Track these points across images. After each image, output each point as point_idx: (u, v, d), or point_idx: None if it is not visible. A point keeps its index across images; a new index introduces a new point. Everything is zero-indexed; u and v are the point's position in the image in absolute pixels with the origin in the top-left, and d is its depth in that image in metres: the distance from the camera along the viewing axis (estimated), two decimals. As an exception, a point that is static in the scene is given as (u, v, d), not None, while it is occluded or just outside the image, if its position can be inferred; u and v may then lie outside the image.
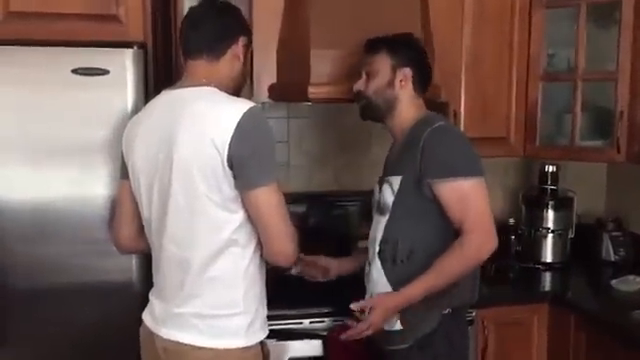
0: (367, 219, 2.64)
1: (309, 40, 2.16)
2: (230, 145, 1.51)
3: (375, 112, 1.89)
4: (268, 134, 1.60)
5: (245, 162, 1.53)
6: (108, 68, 1.90)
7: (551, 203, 2.64)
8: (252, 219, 1.59)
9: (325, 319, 2.12)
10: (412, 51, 1.89)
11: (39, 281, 1.95)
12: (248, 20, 2.27)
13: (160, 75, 2.17)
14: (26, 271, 1.95)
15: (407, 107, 1.86)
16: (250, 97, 2.00)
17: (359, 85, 1.89)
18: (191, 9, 1.71)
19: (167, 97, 1.67)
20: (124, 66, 1.91)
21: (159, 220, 1.64)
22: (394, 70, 1.85)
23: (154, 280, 1.76)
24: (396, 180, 1.82)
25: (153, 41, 2.07)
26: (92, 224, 1.96)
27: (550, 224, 2.64)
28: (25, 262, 1.94)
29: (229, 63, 1.68)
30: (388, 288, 1.81)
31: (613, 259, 2.68)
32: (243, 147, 1.52)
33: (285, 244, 1.61)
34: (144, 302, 1.86)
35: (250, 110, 1.54)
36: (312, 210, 2.61)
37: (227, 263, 1.61)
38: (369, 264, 1.91)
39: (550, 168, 2.62)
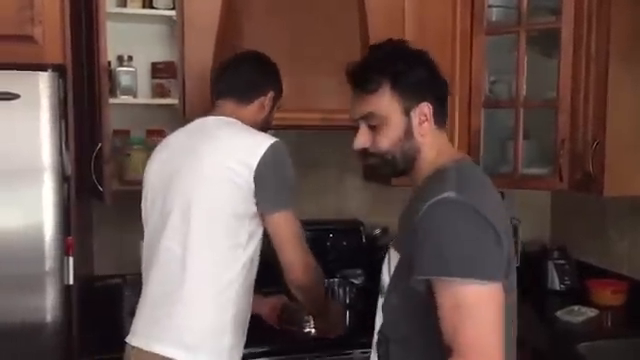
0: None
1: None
2: (257, 167, 1.63)
3: (392, 171, 1.41)
4: (289, 167, 1.71)
5: (264, 186, 1.64)
6: (19, 92, 1.75)
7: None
8: (272, 243, 1.69)
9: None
10: (422, 70, 1.36)
11: None
12: (180, 48, 2.20)
13: (81, 99, 2.03)
14: None
15: (429, 150, 1.37)
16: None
17: (362, 142, 1.38)
18: (234, 56, 1.87)
19: (194, 123, 1.80)
20: (37, 90, 1.77)
21: (163, 228, 1.70)
22: (407, 112, 1.35)
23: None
24: (395, 257, 1.35)
25: (74, 63, 1.93)
26: (1, 258, 1.79)
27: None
28: None
29: (255, 110, 1.82)
30: None
31: (559, 288, 2.64)
32: (267, 171, 1.64)
33: (297, 271, 1.69)
34: (60, 344, 1.76)
35: (277, 142, 1.68)
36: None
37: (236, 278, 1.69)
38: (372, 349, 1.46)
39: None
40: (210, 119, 1.79)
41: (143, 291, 1.76)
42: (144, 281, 1.77)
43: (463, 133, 2.48)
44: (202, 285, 1.66)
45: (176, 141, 1.80)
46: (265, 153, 1.65)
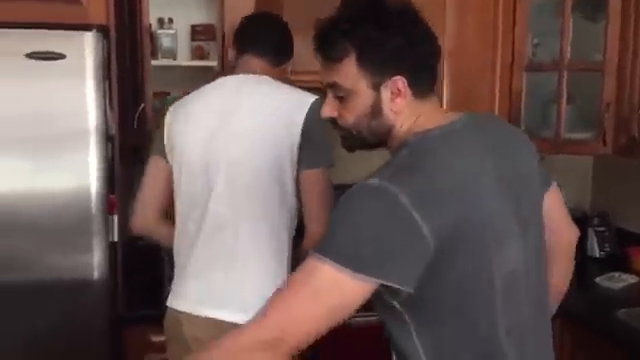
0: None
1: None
2: (305, 121, 1.63)
3: (362, 146, 1.25)
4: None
5: (310, 142, 1.64)
6: (65, 52, 1.77)
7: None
8: (302, 198, 1.68)
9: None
10: (399, 39, 1.14)
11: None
12: (219, 10, 2.19)
13: (123, 61, 2.05)
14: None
15: (403, 124, 1.19)
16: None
17: (327, 112, 1.22)
18: (261, 15, 1.92)
19: (228, 80, 1.75)
20: (82, 50, 1.79)
21: (210, 191, 1.66)
22: (377, 87, 1.16)
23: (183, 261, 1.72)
24: None
25: (116, 25, 1.95)
26: (50, 218, 1.85)
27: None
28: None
29: (280, 72, 1.80)
30: None
31: (598, 255, 2.61)
32: (312, 128, 1.64)
33: (321, 226, 1.63)
34: (106, 299, 1.79)
35: (319, 99, 1.63)
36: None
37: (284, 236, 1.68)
38: None
39: (534, 161, 2.54)
40: (242, 77, 1.74)
41: (185, 256, 1.72)
42: (185, 245, 1.72)
43: (504, 96, 2.45)
44: (256, 247, 1.65)
45: (206, 102, 1.73)
46: (311, 108, 1.64)
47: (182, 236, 1.74)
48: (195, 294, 1.69)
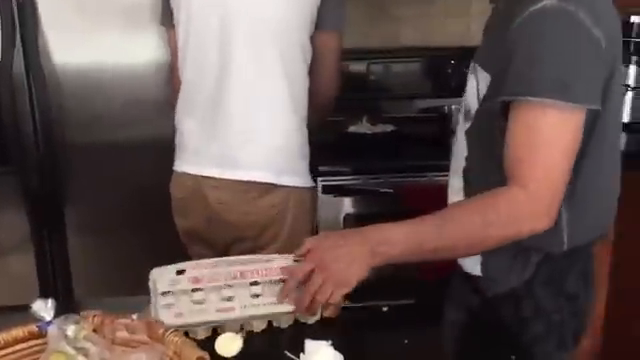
0: (430, 79, 2.57)
1: None
2: None
3: None
4: None
5: (329, 2, 1.57)
6: None
7: (634, 58, 2.38)
8: (315, 62, 1.63)
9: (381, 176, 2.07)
10: None
11: (97, 137, 2.07)
12: None
13: None
14: (85, 128, 2.05)
15: None
16: None
17: None
18: None
19: None
20: None
21: (229, 49, 1.56)
22: None
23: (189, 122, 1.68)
24: (484, 78, 1.17)
25: None
26: (145, 82, 2.01)
27: (631, 81, 2.40)
28: (84, 120, 2.04)
29: None
30: None
31: None
32: None
33: (333, 88, 1.70)
34: None
35: None
36: (371, 68, 2.52)
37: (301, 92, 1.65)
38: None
39: (635, 19, 2.34)
40: None
41: (199, 117, 1.64)
42: (198, 107, 1.64)
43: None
44: (282, 103, 1.59)
45: None
46: None
47: (192, 97, 1.65)
48: (219, 157, 1.61)
